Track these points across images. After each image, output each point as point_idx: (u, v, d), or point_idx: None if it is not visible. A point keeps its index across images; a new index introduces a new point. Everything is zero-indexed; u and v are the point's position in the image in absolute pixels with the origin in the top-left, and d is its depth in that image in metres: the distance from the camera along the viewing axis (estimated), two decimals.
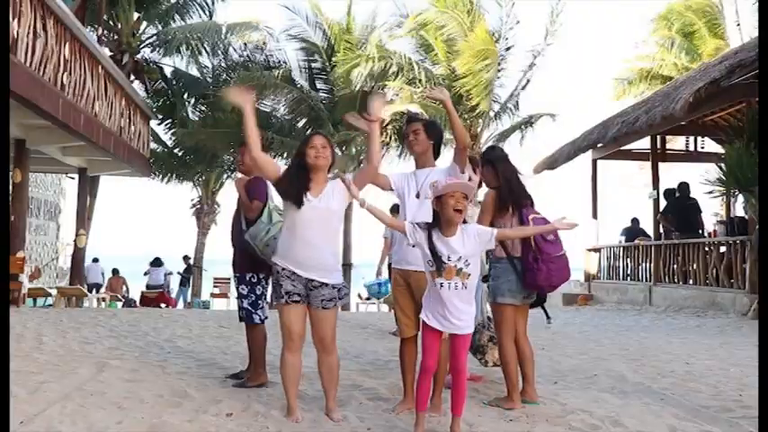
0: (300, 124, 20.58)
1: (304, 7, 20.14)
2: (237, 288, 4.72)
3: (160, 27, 19.61)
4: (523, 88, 19.35)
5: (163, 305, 15.97)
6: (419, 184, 3.94)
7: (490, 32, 18.41)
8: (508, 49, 18.99)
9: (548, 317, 4.44)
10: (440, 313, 3.39)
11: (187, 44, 18.71)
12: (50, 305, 12.94)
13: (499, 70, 18.72)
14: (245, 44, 20.29)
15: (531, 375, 4.16)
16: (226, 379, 4.73)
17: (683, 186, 11.84)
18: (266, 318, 4.71)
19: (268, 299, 4.72)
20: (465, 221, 3.44)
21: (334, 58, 19.65)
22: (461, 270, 3.36)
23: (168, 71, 20.67)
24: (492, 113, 19.53)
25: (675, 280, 11.48)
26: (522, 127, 19.94)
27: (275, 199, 4.43)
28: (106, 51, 14.24)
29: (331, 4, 21.30)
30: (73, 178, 16.70)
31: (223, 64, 20.86)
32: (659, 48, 20.70)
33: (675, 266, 11.47)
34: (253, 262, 4.57)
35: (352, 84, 18.67)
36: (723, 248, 10.30)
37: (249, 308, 4.65)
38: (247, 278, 4.67)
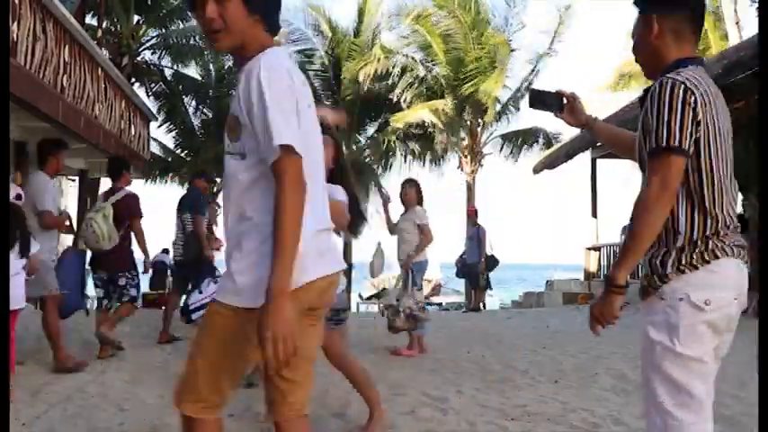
0: None
1: (304, 11, 20.20)
2: None
3: (161, 30, 19.61)
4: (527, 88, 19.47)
5: (164, 308, 15.93)
6: None
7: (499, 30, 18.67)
8: (513, 51, 19.10)
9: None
10: None
11: (188, 47, 18.71)
12: None
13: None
14: None
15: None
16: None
17: None
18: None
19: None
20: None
21: (338, 56, 19.69)
22: None
23: (169, 73, 20.68)
24: (493, 114, 19.59)
25: None
26: (521, 140, 20.06)
27: None
28: (106, 54, 14.25)
29: (334, 5, 21.30)
30: (74, 180, 16.68)
31: (225, 66, 20.88)
32: None
33: None
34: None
35: (359, 85, 18.78)
36: None
37: None
38: None
